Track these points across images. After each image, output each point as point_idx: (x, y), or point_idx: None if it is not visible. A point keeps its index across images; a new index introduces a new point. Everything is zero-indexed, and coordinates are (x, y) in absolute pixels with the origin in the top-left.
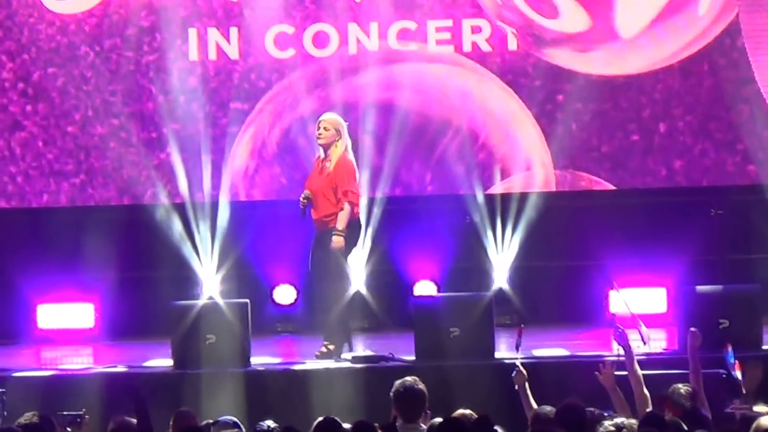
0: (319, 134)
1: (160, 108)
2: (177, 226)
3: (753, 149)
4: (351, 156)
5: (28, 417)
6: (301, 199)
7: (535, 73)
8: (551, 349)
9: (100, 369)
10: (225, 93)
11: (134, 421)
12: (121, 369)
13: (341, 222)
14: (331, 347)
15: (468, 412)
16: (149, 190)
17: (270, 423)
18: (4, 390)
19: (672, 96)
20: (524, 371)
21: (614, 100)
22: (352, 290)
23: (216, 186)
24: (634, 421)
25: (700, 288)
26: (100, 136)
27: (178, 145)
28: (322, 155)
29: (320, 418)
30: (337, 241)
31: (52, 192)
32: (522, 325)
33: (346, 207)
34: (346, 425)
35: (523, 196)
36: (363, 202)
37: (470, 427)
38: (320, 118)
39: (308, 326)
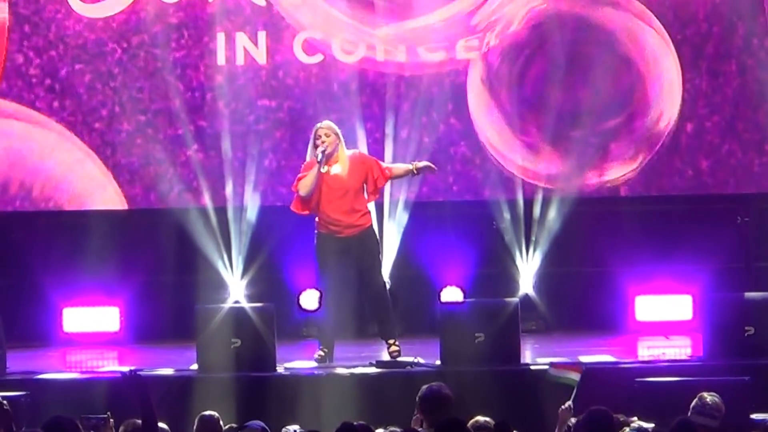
0: (323, 142)
1: (186, 105)
2: (204, 228)
3: None
4: None
5: (52, 420)
6: (320, 150)
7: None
8: (577, 355)
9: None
10: (252, 90)
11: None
12: (146, 372)
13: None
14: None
15: (484, 418)
16: (176, 187)
17: (296, 428)
18: (28, 392)
19: (699, 95)
20: (571, 408)
21: None
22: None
23: (240, 185)
24: (658, 427)
25: (729, 295)
26: (127, 132)
27: (204, 143)
28: (322, 161)
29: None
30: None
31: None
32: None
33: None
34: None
35: (549, 202)
36: (388, 204)
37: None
38: (318, 127)
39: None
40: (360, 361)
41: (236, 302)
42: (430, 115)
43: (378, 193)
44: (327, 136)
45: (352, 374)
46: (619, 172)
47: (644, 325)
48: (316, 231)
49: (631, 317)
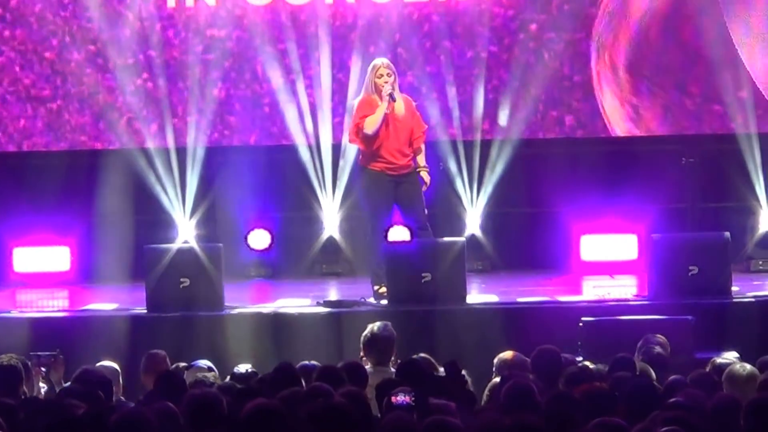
0: (386, 82)
1: (136, 35)
2: (153, 168)
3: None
4: None
5: (4, 359)
6: (388, 91)
7: (509, 2)
8: (522, 294)
9: (75, 312)
10: (201, 18)
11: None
12: (96, 312)
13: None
14: None
15: (424, 355)
16: (125, 115)
17: (247, 367)
18: None
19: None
20: None
21: (587, 30)
22: (325, 235)
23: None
24: (602, 366)
25: (674, 235)
26: (77, 62)
27: (153, 72)
28: (392, 101)
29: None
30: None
31: (29, 117)
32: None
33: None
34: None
35: (495, 143)
36: (329, 146)
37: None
38: (379, 64)
39: (282, 270)
40: (307, 300)
41: (185, 242)
42: (378, 45)
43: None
44: (389, 75)
45: (300, 314)
46: None
47: (589, 265)
48: (364, 167)
49: (576, 257)
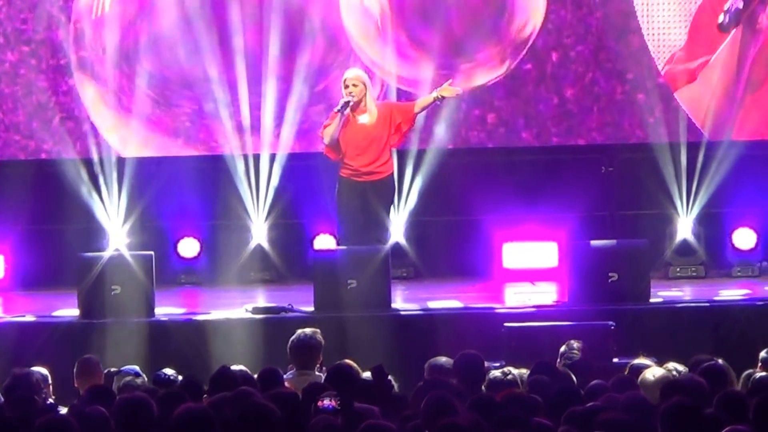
0: (350, 93)
1: (70, 36)
2: (85, 179)
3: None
4: None
5: None
6: (344, 101)
7: None
8: (446, 301)
9: (9, 318)
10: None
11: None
12: (29, 318)
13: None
14: None
15: (349, 361)
16: (57, 115)
17: (170, 371)
18: None
19: (564, 26)
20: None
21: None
22: (252, 243)
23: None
24: (524, 371)
25: (594, 242)
26: (11, 62)
27: (86, 73)
28: (344, 111)
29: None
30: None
31: None
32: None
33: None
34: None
35: (420, 153)
36: (266, 156)
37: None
38: (346, 77)
39: (211, 278)
40: (237, 307)
41: (116, 250)
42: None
43: (402, 136)
44: (355, 86)
45: (229, 320)
46: (485, 77)
47: (511, 272)
48: (338, 176)
49: (498, 264)
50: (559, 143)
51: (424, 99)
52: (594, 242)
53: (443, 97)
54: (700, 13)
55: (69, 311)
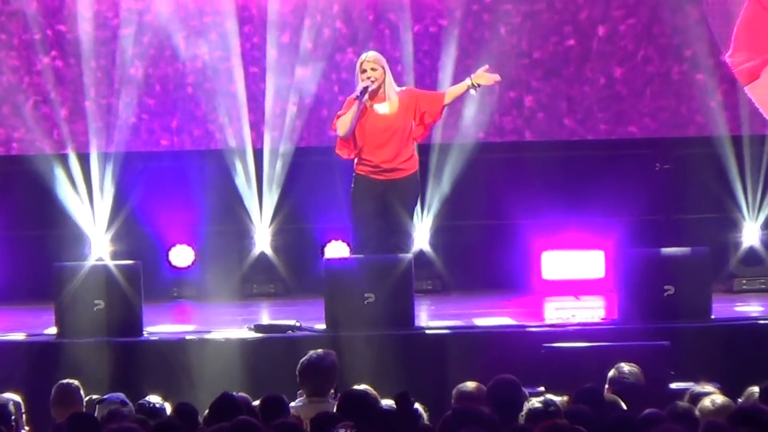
0: (368, 77)
1: (43, 7)
2: (62, 177)
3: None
4: None
5: None
6: (363, 86)
7: None
8: (476, 318)
9: None
10: None
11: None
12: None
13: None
14: None
15: (367, 387)
16: (31, 99)
17: (155, 399)
18: None
19: None
20: None
21: (547, 1)
22: (255, 252)
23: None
24: (566, 398)
25: (647, 251)
26: None
27: (63, 49)
28: (363, 97)
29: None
30: None
31: None
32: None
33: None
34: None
35: (445, 146)
36: (267, 150)
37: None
38: (363, 59)
39: (207, 291)
40: (237, 325)
41: (99, 259)
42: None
43: (426, 129)
44: (374, 69)
45: (228, 339)
46: None
47: (552, 284)
48: (354, 173)
49: (537, 275)
50: (607, 131)
51: (456, 87)
52: (647, 250)
53: (479, 86)
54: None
55: (45, 329)
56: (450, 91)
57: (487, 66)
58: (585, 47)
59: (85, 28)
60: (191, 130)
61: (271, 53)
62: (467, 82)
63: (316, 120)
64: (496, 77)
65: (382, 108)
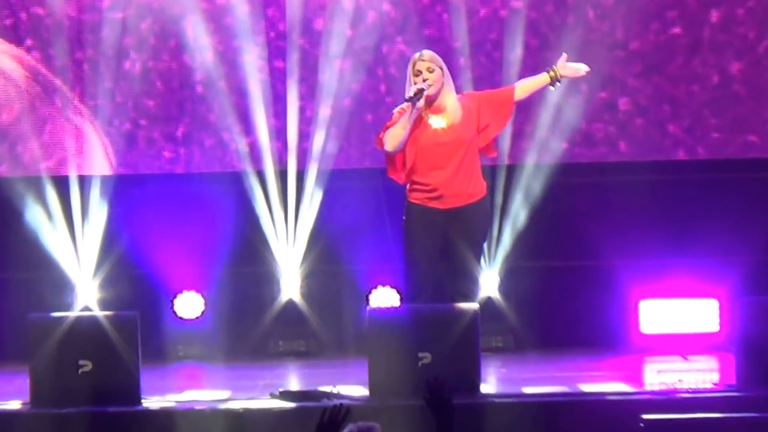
0: (425, 79)
1: None
2: (41, 205)
3: None
4: None
5: None
6: (417, 87)
7: None
8: (557, 384)
9: None
10: None
11: None
12: None
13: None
14: None
15: None
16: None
17: None
18: None
19: None
20: None
21: None
22: (284, 299)
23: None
24: None
25: None
26: None
27: (40, 36)
28: (417, 101)
29: None
30: None
31: None
32: None
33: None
34: None
35: (512, 168)
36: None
37: None
38: (417, 58)
39: (221, 349)
40: (258, 391)
41: (86, 309)
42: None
43: (491, 141)
44: (430, 71)
45: (247, 410)
46: None
47: (652, 340)
48: (406, 202)
49: (634, 329)
50: (720, 141)
51: (530, 81)
52: None
53: (561, 79)
54: None
55: (14, 399)
56: (523, 84)
57: (566, 55)
58: (694, 36)
59: (67, 11)
60: (201, 140)
61: (301, 43)
62: (547, 74)
63: (357, 128)
64: (585, 68)
65: (438, 119)
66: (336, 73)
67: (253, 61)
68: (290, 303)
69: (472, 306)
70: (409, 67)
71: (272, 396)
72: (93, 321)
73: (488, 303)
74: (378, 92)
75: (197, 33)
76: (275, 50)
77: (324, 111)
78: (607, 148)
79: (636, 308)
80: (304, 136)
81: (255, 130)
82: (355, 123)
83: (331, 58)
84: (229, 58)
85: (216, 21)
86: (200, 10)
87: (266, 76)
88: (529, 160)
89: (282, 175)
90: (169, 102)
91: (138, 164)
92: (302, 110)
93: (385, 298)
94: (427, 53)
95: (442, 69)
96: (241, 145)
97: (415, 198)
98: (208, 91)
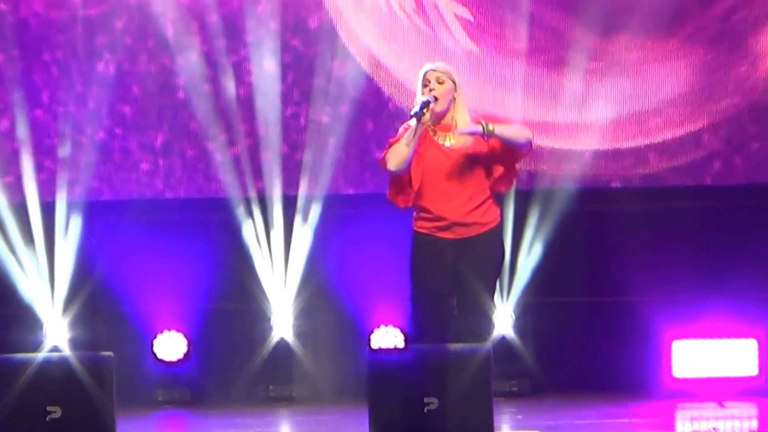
0: (432, 89)
1: None
2: (6, 233)
3: None
4: None
5: None
6: (423, 100)
7: None
8: None
9: None
10: None
11: None
12: None
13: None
14: None
15: None
16: None
17: None
18: None
19: None
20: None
21: None
22: (275, 339)
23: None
24: None
25: None
26: None
27: (4, 37)
28: (422, 114)
29: None
30: None
31: None
32: None
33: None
34: None
35: (529, 193)
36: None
37: None
38: (428, 69)
39: (205, 394)
40: None
41: (55, 349)
42: None
43: (508, 168)
44: (439, 81)
45: None
46: None
47: (686, 384)
48: (413, 230)
49: (666, 372)
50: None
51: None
52: None
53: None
54: None
55: None
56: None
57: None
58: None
59: (34, 8)
60: (183, 150)
61: (295, 43)
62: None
63: (358, 139)
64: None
65: (447, 138)
66: (336, 77)
67: (241, 63)
68: (282, 343)
69: (485, 346)
70: (420, 77)
71: None
72: (63, 363)
73: (502, 342)
74: (381, 99)
75: (178, 31)
76: (268, 50)
77: (324, 119)
78: (633, 160)
79: (668, 349)
80: (298, 150)
81: (241, 139)
82: (355, 132)
83: (331, 58)
84: (214, 59)
85: (200, 18)
86: (182, 5)
87: (257, 79)
88: (547, 184)
89: (272, 198)
90: (148, 108)
91: (112, 176)
92: (295, 117)
93: (387, 338)
94: (441, 64)
95: (454, 82)
96: (226, 156)
97: (422, 227)
98: (190, 97)
